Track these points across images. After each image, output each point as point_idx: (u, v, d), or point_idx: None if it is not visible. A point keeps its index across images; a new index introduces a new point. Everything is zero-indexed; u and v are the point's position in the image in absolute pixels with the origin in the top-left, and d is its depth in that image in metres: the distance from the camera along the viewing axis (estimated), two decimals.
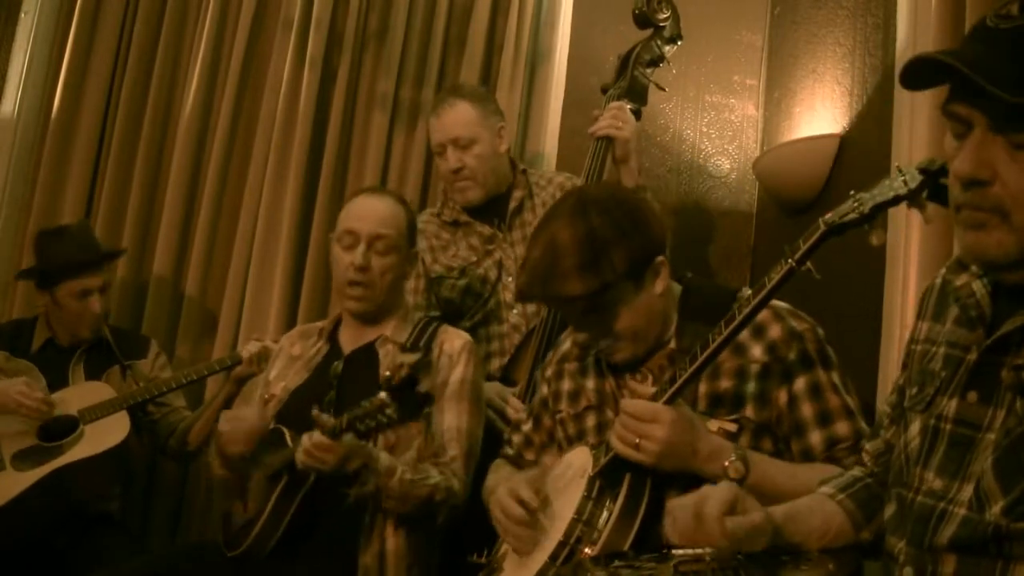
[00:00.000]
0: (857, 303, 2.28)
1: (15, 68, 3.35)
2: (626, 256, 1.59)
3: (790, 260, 1.37)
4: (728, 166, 3.25)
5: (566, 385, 1.82)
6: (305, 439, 1.84)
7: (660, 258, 1.66)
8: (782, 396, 1.58)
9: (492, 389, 2.30)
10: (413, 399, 1.74)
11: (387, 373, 1.76)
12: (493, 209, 2.61)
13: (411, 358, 2.03)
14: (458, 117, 2.55)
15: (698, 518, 1.22)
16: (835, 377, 1.60)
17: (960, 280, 1.18)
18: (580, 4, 3.25)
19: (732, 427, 1.58)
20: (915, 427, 1.18)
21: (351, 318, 2.22)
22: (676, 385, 1.50)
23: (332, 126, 3.17)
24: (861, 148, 2.49)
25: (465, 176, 2.55)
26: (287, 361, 2.25)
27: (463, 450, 2.06)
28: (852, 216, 1.31)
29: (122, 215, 3.24)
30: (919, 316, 1.27)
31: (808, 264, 1.37)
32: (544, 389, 1.89)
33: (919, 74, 1.08)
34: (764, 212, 3.19)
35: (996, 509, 1.02)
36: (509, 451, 1.98)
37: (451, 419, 2.07)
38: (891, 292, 2.06)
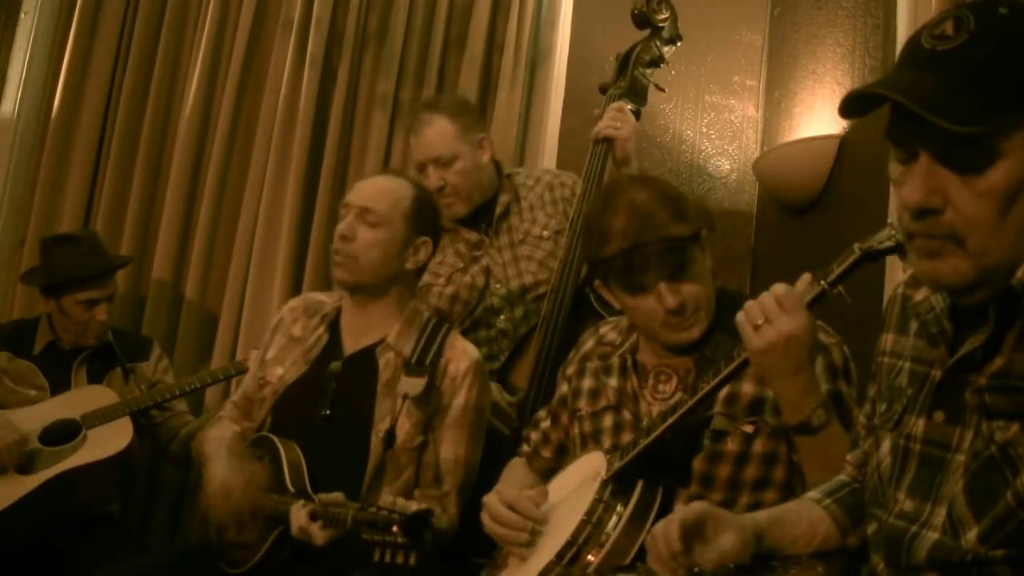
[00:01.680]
0: (857, 306, 2.27)
1: (15, 68, 3.35)
2: (694, 211, 1.66)
3: (823, 283, 1.36)
4: (728, 167, 3.25)
5: (587, 383, 1.82)
6: (300, 525, 1.77)
7: (706, 233, 1.69)
8: (826, 398, 1.56)
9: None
10: (425, 534, 1.64)
11: (409, 510, 1.66)
12: (480, 215, 2.58)
13: (416, 387, 1.96)
14: (435, 135, 2.50)
15: (663, 541, 1.22)
16: (854, 392, 1.61)
17: (919, 295, 1.17)
18: (580, 4, 3.25)
19: (749, 428, 1.59)
20: (885, 446, 1.17)
21: (351, 303, 2.13)
22: (697, 396, 1.49)
23: (332, 126, 3.17)
24: (861, 149, 2.49)
25: (448, 193, 2.50)
26: (286, 341, 2.16)
27: (457, 483, 2.01)
28: (888, 244, 1.30)
29: (122, 215, 3.24)
30: (884, 328, 1.25)
31: (840, 288, 1.36)
32: (564, 387, 1.89)
33: (858, 104, 1.05)
34: (764, 213, 3.19)
35: (971, 536, 1.01)
36: (526, 448, 1.98)
37: (449, 450, 2.01)
38: None
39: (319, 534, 1.75)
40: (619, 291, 1.68)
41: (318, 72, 3.18)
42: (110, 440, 2.47)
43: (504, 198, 2.60)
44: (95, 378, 2.68)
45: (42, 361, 2.67)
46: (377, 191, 2.09)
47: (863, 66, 2.56)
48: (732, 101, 3.26)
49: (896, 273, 2.05)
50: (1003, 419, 1.01)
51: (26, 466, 2.42)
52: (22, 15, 3.37)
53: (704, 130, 3.26)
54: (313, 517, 1.76)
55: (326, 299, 2.23)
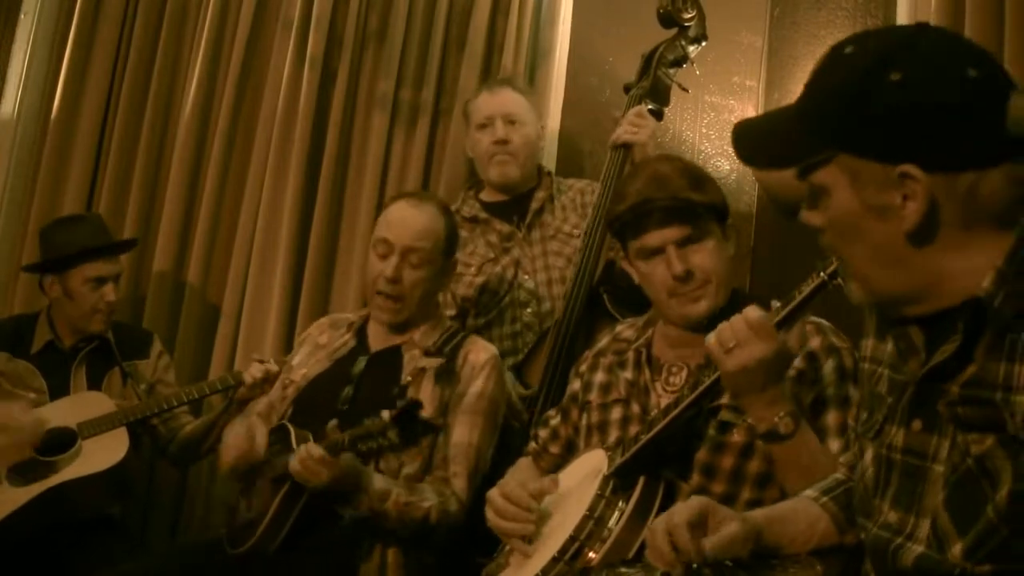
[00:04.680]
0: (857, 305, 2.28)
1: (15, 68, 3.36)
2: (716, 192, 1.74)
3: (822, 274, 1.39)
4: (728, 167, 3.24)
5: (599, 377, 1.84)
6: (302, 449, 1.83)
7: (731, 222, 1.77)
8: (807, 399, 1.61)
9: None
10: (416, 426, 1.72)
11: (397, 405, 1.74)
12: (513, 207, 2.63)
13: (433, 362, 2.05)
14: (512, 97, 2.65)
15: (669, 533, 1.22)
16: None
17: None
18: (580, 4, 3.24)
19: None
20: (868, 455, 1.18)
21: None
22: (698, 391, 1.52)
23: (332, 126, 3.17)
24: None
25: (509, 151, 2.60)
26: (312, 348, 2.26)
27: (467, 467, 2.03)
28: None
29: (122, 216, 3.24)
30: (865, 332, 1.27)
31: (839, 279, 1.37)
32: (576, 384, 1.91)
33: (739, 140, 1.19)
34: (763, 214, 3.19)
35: (956, 551, 1.01)
36: (534, 446, 2.00)
37: (461, 434, 2.05)
38: None
39: (319, 461, 1.80)
40: (634, 257, 1.75)
41: (318, 72, 3.18)
42: (105, 452, 2.44)
43: (541, 194, 2.66)
44: (95, 378, 2.66)
45: (40, 361, 2.65)
46: (419, 230, 2.14)
47: None
48: (732, 101, 3.25)
49: None
50: (977, 432, 1.01)
51: (19, 477, 2.40)
52: (22, 16, 3.38)
53: (704, 130, 3.25)
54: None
55: (351, 316, 2.33)
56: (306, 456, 1.81)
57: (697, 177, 1.72)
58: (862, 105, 1.02)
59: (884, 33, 1.16)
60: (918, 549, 1.05)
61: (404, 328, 2.18)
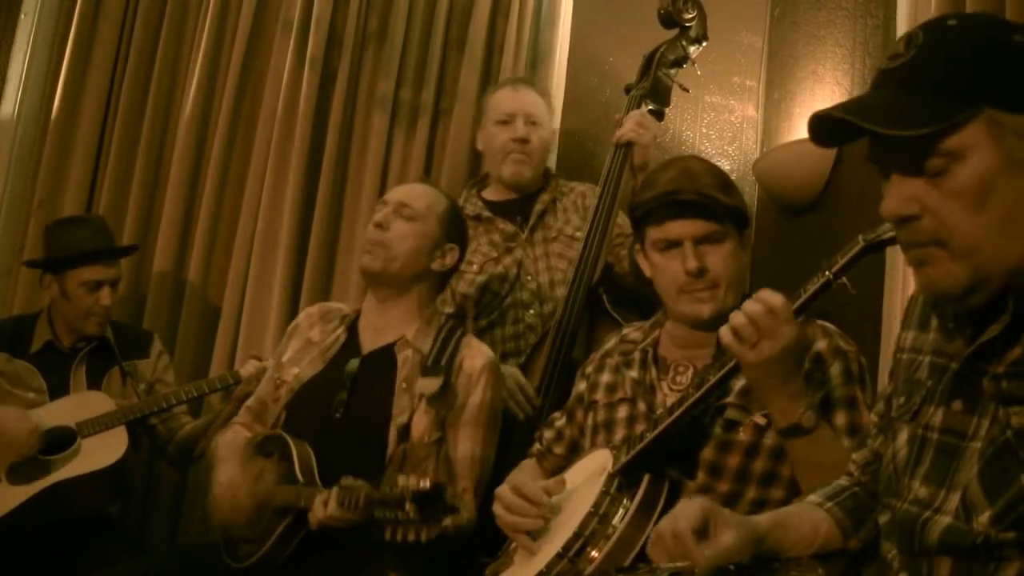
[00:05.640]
0: (857, 306, 2.28)
1: (15, 69, 3.37)
2: (741, 199, 1.76)
3: (827, 273, 1.39)
4: (727, 167, 3.24)
5: (605, 378, 1.85)
6: (319, 507, 1.80)
7: (748, 232, 1.78)
8: (814, 400, 1.59)
9: (508, 374, 2.30)
10: (437, 507, 1.65)
11: (421, 485, 1.65)
12: (518, 208, 2.63)
13: (433, 385, 2.00)
14: (535, 99, 2.67)
15: (672, 538, 1.22)
16: (868, 399, 1.63)
17: None
18: (580, 4, 3.24)
19: (762, 420, 1.61)
20: (902, 437, 1.18)
21: (373, 302, 2.17)
22: (703, 389, 1.52)
23: (332, 126, 3.17)
24: (861, 150, 2.48)
25: (527, 151, 2.61)
26: (303, 344, 2.20)
27: (474, 480, 2.03)
28: (891, 234, 1.32)
29: (122, 216, 3.24)
30: (904, 325, 1.27)
31: (844, 279, 1.39)
32: (582, 385, 1.91)
33: (827, 133, 1.11)
34: (763, 214, 3.18)
35: (983, 519, 1.02)
36: (538, 447, 1.99)
37: (465, 447, 2.04)
38: (891, 295, 2.07)
39: (338, 520, 1.77)
40: (651, 248, 1.75)
41: (318, 72, 3.18)
42: (104, 450, 2.44)
43: (546, 197, 2.66)
44: (94, 377, 2.66)
45: (40, 360, 2.65)
46: (415, 191, 2.22)
47: (863, 67, 2.56)
48: (732, 102, 3.25)
49: (896, 276, 2.05)
50: (1020, 405, 1.01)
51: (18, 475, 2.40)
52: (22, 16, 3.38)
53: (704, 131, 3.25)
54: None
55: (343, 307, 2.30)
56: (324, 517, 1.80)
57: (725, 180, 1.75)
58: (1004, 61, 1.03)
59: (983, 13, 1.22)
60: (945, 520, 1.06)
61: (394, 307, 2.14)
